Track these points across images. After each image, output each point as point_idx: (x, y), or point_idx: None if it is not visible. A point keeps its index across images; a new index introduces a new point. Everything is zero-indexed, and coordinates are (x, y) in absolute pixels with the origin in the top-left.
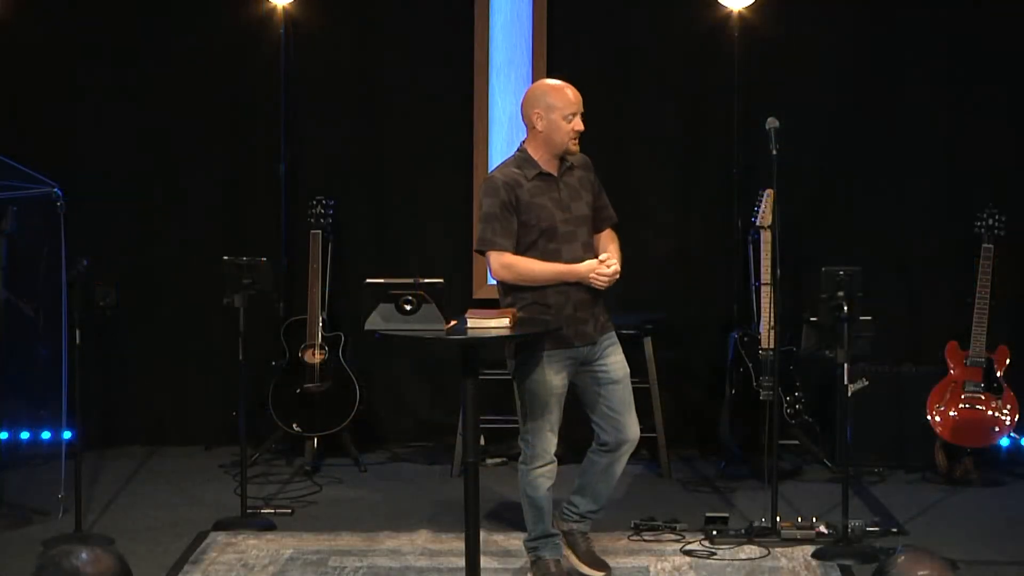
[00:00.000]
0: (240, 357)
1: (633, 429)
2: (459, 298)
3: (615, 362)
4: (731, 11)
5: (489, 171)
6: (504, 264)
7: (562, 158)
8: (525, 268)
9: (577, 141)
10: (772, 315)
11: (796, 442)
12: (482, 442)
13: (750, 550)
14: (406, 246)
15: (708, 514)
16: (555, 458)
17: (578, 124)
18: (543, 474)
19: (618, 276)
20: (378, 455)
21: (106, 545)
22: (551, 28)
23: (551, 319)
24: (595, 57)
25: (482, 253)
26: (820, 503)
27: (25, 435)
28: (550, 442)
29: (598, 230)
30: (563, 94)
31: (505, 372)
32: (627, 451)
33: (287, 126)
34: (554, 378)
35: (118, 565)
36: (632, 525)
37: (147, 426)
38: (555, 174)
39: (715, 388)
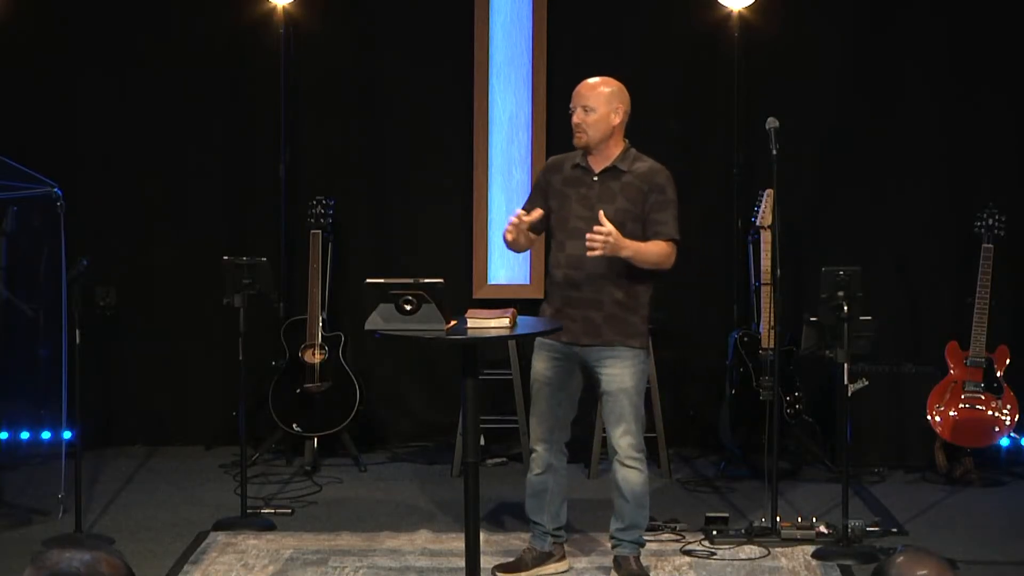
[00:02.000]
0: (240, 357)
1: (614, 441)
2: (459, 298)
3: (608, 374)
4: (731, 11)
5: (489, 171)
6: None
7: (617, 160)
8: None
9: (579, 136)
10: (772, 315)
11: (796, 442)
12: (482, 442)
13: (750, 550)
14: (406, 246)
15: (708, 514)
16: (535, 448)
17: (575, 117)
18: (531, 459)
19: (610, 247)
20: (378, 455)
21: (106, 545)
22: (551, 28)
23: (548, 308)
24: (595, 57)
25: None
26: (820, 503)
27: (25, 435)
28: (533, 429)
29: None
30: None
31: (505, 372)
32: (619, 463)
33: (287, 126)
34: (539, 364)
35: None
36: None
37: (147, 426)
38: (595, 171)
39: (715, 388)
